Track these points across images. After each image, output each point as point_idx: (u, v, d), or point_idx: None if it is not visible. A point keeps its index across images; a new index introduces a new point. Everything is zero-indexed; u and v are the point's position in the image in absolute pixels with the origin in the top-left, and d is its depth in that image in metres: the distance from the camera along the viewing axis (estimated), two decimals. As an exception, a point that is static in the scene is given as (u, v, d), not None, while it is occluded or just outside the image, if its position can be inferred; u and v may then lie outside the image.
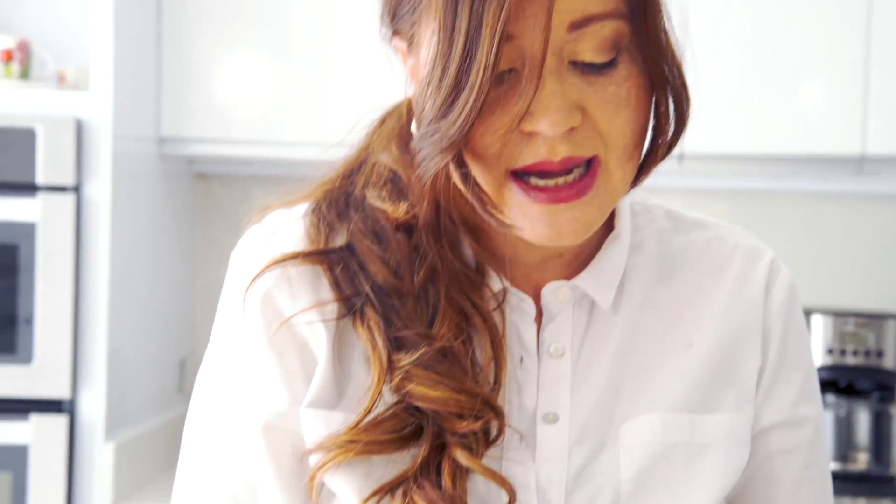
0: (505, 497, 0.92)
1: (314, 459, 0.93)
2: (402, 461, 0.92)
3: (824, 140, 2.41)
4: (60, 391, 2.09)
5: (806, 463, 1.02)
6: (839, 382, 2.45)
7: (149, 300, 2.39)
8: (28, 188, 2.12)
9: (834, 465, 2.39)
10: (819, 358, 2.44)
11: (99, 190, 2.16)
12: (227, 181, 2.82)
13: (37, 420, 2.08)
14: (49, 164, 2.12)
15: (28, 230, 2.09)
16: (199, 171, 2.81)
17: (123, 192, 2.24)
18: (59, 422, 2.08)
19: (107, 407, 2.13)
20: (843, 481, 2.36)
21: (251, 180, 2.77)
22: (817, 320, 2.44)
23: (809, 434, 1.02)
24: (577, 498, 0.94)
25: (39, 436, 2.08)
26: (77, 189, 2.15)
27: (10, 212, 2.10)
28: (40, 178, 2.12)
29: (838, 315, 2.43)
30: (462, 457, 0.90)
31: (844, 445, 2.40)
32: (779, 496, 1.01)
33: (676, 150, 0.96)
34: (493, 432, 0.92)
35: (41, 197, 2.12)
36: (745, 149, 2.46)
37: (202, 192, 2.82)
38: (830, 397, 2.42)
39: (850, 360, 2.41)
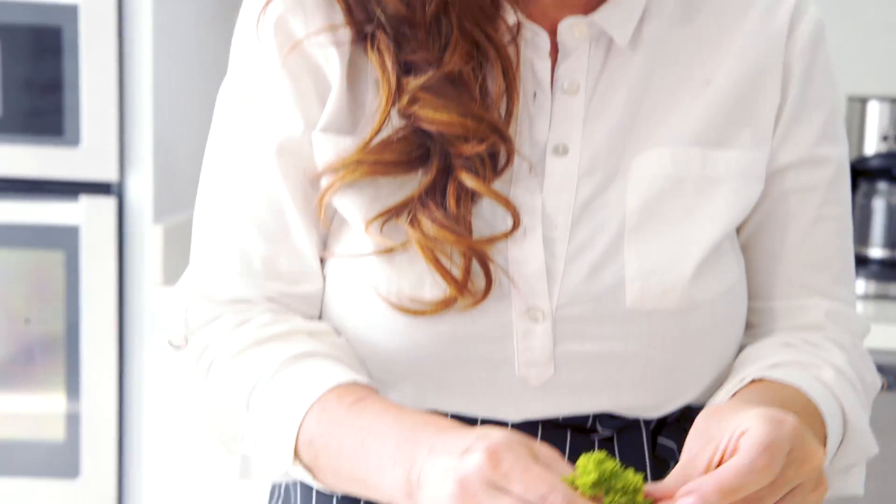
0: (510, 222, 0.92)
1: (324, 183, 0.95)
2: (409, 188, 0.93)
3: None
4: (108, 174, 2.12)
5: (824, 201, 1.00)
6: (893, 170, 2.41)
7: (195, 87, 2.40)
8: (69, -30, 2.11)
9: (884, 253, 2.37)
10: (874, 145, 2.39)
11: (140, -27, 2.14)
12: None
13: (86, 201, 2.11)
14: (89, -53, 2.10)
15: (70, 12, 2.08)
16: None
17: (166, -22, 2.22)
18: (107, 204, 2.12)
19: (154, 191, 2.16)
20: (893, 268, 2.35)
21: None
22: (873, 107, 2.38)
23: (829, 174, 1.00)
24: (583, 227, 0.94)
25: (89, 217, 2.12)
26: (118, -29, 2.14)
27: (51, -6, 2.10)
28: (80, -40, 2.11)
29: (895, 101, 2.37)
30: (467, 179, 0.91)
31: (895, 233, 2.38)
32: (792, 232, 1.00)
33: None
34: (502, 160, 0.92)
35: (82, -21, 2.11)
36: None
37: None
38: (883, 185, 2.38)
39: (906, 148, 2.36)
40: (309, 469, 0.89)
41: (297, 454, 0.89)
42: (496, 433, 0.77)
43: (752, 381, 0.94)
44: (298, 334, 0.95)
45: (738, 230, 1.01)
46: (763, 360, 0.96)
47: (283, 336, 0.95)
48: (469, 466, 0.75)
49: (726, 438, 0.78)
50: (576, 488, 0.75)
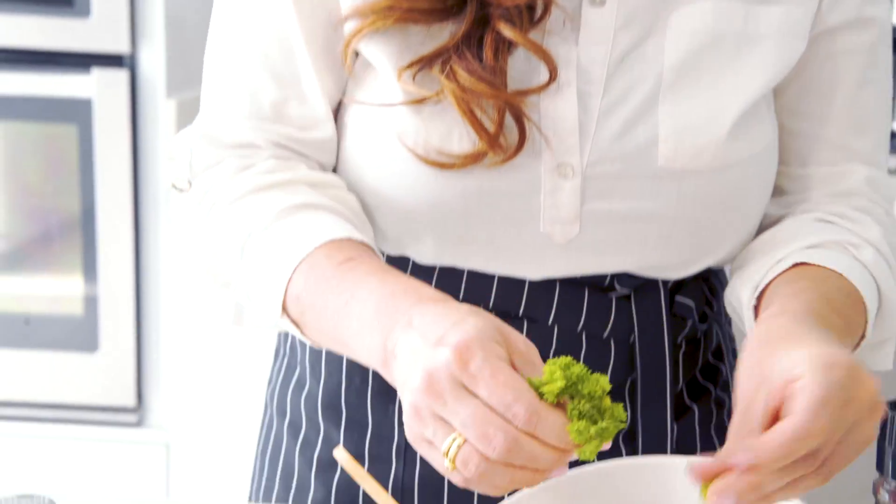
0: (545, 74, 0.90)
1: (349, 28, 0.92)
2: (440, 37, 0.90)
3: None
4: (120, 46, 2.09)
5: (868, 64, 0.98)
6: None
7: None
8: None
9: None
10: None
11: None
12: None
13: (98, 74, 2.08)
14: None
15: None
16: None
17: None
18: (120, 76, 2.09)
19: (167, 64, 2.13)
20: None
21: None
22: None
23: (873, 35, 0.98)
24: (618, 82, 0.92)
25: (102, 90, 2.09)
26: None
27: None
28: None
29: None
30: (505, 29, 0.88)
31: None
32: (838, 96, 0.98)
33: None
34: (539, 10, 0.90)
35: None
36: None
37: None
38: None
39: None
40: (296, 324, 0.89)
41: (285, 308, 0.89)
42: (472, 321, 0.75)
43: (794, 265, 0.93)
44: (299, 184, 0.93)
45: (779, 93, 0.99)
46: (800, 240, 0.95)
47: (283, 184, 0.93)
48: (437, 361, 0.73)
49: (779, 383, 0.76)
50: (542, 395, 0.73)
